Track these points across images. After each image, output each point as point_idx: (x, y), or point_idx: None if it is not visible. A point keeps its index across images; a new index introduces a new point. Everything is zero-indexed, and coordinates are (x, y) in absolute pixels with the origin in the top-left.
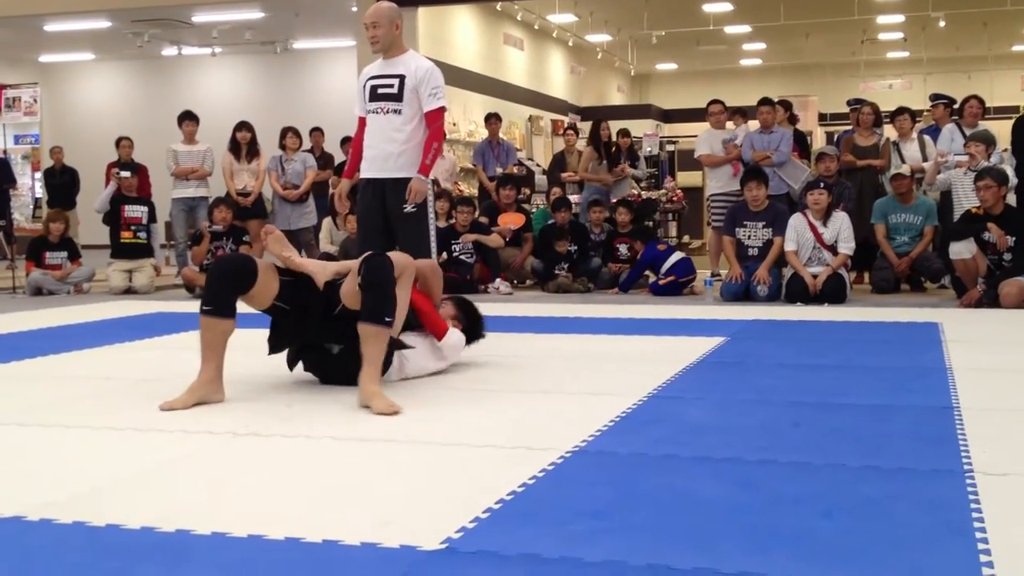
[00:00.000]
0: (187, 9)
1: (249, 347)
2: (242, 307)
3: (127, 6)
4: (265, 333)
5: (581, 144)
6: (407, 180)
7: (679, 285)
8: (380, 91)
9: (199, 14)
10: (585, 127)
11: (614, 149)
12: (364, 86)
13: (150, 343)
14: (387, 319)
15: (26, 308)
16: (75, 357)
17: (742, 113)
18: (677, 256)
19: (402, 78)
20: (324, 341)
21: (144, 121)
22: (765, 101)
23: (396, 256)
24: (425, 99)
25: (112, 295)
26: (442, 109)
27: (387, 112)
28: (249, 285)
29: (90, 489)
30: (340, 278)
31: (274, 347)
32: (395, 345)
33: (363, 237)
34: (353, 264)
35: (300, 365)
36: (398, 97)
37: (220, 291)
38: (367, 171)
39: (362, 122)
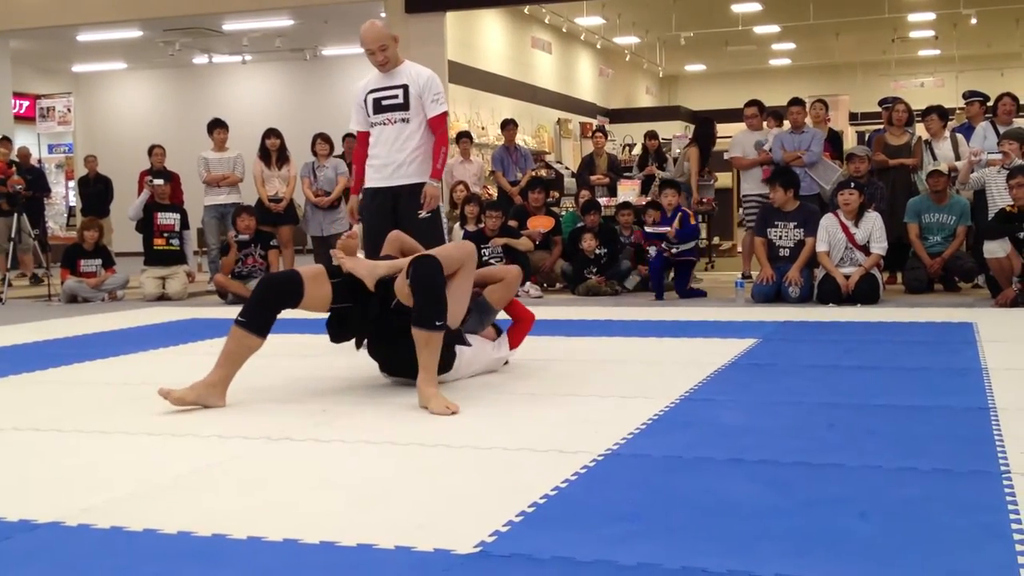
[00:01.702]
0: (217, 18)
1: (283, 353)
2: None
3: (158, 15)
4: (301, 339)
5: (610, 147)
6: (421, 185)
7: (689, 265)
8: (385, 103)
9: (229, 22)
10: (615, 129)
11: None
12: (365, 100)
13: (184, 349)
14: (437, 323)
15: (61, 315)
16: (110, 363)
17: (776, 116)
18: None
19: (405, 87)
20: (384, 335)
21: (176, 129)
22: (796, 101)
23: (456, 248)
24: (428, 105)
25: (146, 302)
26: (445, 114)
27: (395, 122)
28: (295, 302)
29: (127, 494)
30: (392, 276)
31: (336, 338)
32: (455, 339)
33: (371, 245)
34: (403, 263)
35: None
36: (404, 106)
37: (261, 308)
38: (375, 181)
39: (361, 136)
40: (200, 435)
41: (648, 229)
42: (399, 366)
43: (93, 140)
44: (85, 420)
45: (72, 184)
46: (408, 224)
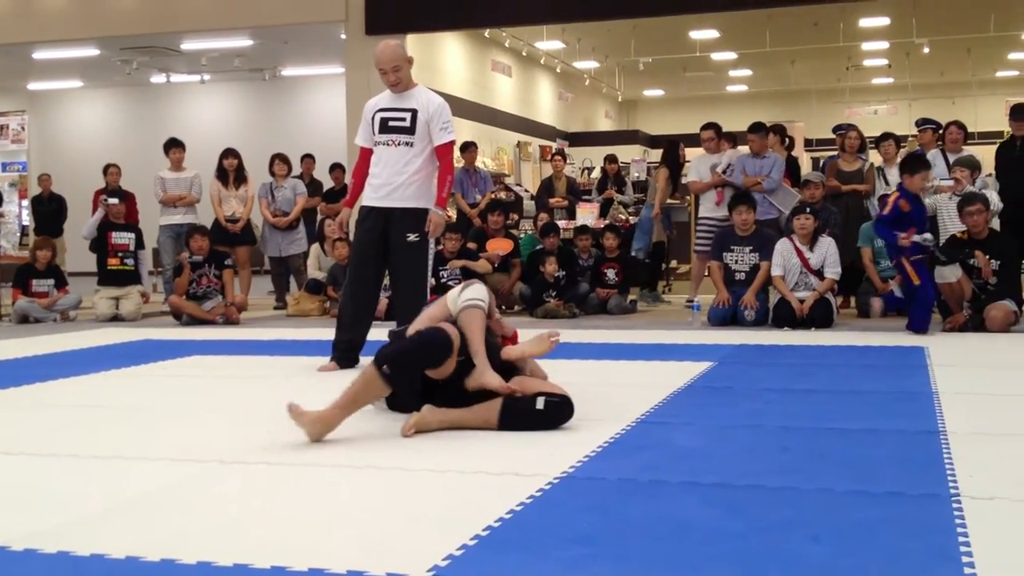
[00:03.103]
0: (176, 37)
1: (240, 375)
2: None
3: (116, 34)
4: (259, 360)
5: (568, 170)
6: (414, 210)
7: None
8: (391, 124)
9: (188, 42)
10: (574, 153)
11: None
12: (372, 118)
13: (137, 370)
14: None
15: (12, 336)
16: (62, 385)
17: (730, 138)
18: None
19: (414, 112)
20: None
21: (132, 148)
22: (755, 128)
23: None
24: (436, 133)
25: (99, 322)
26: (452, 143)
27: (398, 144)
28: (440, 367)
29: (75, 518)
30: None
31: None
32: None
33: (356, 263)
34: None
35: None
36: (410, 130)
37: (409, 369)
38: (371, 200)
39: (364, 152)
40: (151, 459)
41: (904, 240)
42: (405, 406)
43: (47, 158)
44: (33, 442)
45: (25, 203)
46: (396, 246)
